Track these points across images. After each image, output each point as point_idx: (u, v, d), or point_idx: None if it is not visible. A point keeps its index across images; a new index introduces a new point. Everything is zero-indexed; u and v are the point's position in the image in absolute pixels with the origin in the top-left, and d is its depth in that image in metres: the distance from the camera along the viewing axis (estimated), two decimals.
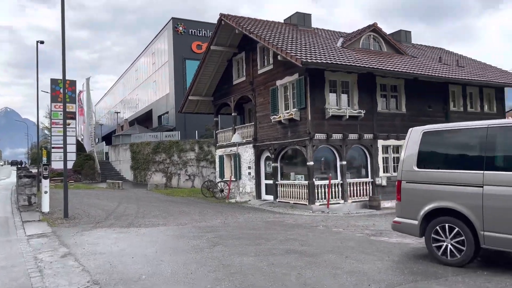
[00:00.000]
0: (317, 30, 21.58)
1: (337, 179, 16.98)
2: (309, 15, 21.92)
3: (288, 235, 8.15)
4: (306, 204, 16.40)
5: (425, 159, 6.37)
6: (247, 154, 20.64)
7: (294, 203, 17.07)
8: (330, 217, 13.61)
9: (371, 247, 7.16)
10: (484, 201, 5.49)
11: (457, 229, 5.81)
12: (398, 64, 17.87)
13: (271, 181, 19.10)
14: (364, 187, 17.55)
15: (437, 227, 6.03)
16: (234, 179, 21.33)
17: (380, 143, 18.00)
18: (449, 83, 19.88)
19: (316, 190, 16.32)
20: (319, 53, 16.28)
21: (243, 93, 21.12)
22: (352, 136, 17.22)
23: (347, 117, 16.84)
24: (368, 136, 17.63)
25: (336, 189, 16.79)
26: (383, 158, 18.17)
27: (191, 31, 38.37)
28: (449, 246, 5.90)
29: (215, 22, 21.18)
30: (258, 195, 19.85)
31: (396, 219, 6.68)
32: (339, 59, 16.13)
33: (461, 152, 6.07)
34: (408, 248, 7.05)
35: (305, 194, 16.59)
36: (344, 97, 17.35)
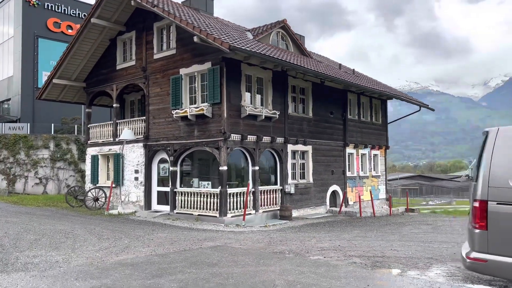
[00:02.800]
0: (220, 19, 19.31)
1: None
2: (212, 0, 19.51)
3: (279, 275, 5.67)
4: (216, 216, 13.91)
5: None
6: (134, 155, 17.02)
7: (199, 215, 14.39)
8: (259, 233, 11.49)
9: None
10: None
11: None
12: (310, 65, 16.85)
13: (165, 188, 16.00)
14: (274, 195, 15.95)
15: None
16: (114, 185, 17.40)
17: (290, 147, 16.69)
18: (348, 91, 19.88)
19: (228, 200, 13.99)
20: (238, 41, 14.05)
21: (131, 80, 17.44)
22: (266, 139, 15.46)
23: (263, 117, 15.01)
24: (280, 139, 16.12)
25: (248, 197, 14.74)
26: (291, 164, 16.89)
27: (48, 5, 31.69)
28: None
29: None
30: (148, 205, 16.46)
31: (477, 255, 4.77)
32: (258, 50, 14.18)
33: None
34: None
35: (215, 204, 14.10)
36: (258, 95, 15.48)
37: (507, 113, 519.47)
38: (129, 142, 16.89)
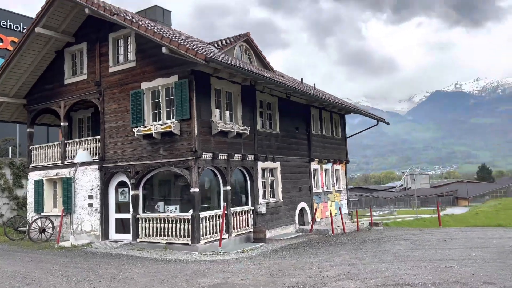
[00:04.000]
0: (178, 31, 18.24)
1: (219, 208, 13.89)
2: (169, 12, 18.42)
3: None
4: (188, 244, 12.64)
5: None
6: (88, 178, 15.24)
7: (167, 243, 13.01)
8: (245, 261, 10.48)
9: None
10: None
11: None
12: (277, 79, 16.30)
13: (125, 215, 14.44)
14: (246, 216, 15.01)
15: None
16: (64, 214, 15.43)
17: (260, 165, 15.90)
18: (311, 106, 19.61)
19: (201, 225, 12.81)
20: (210, 53, 13.11)
21: (82, 96, 15.74)
22: (237, 157, 14.55)
23: (234, 134, 14.13)
24: (250, 157, 15.29)
25: (220, 221, 13.65)
26: (261, 182, 16.08)
27: None
28: None
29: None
30: (105, 235, 14.73)
31: None
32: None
33: None
34: None
35: (185, 231, 12.83)
36: (228, 111, 14.60)
37: (430, 126, 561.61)
38: (82, 164, 15.12)
